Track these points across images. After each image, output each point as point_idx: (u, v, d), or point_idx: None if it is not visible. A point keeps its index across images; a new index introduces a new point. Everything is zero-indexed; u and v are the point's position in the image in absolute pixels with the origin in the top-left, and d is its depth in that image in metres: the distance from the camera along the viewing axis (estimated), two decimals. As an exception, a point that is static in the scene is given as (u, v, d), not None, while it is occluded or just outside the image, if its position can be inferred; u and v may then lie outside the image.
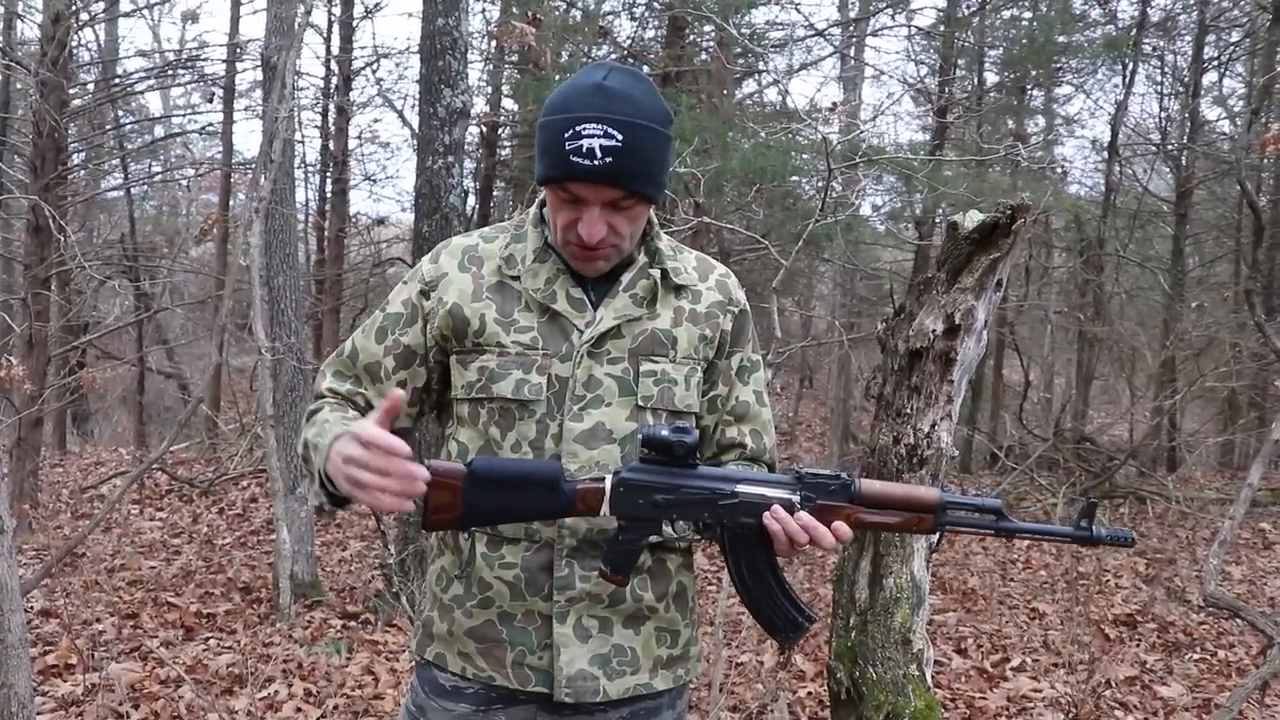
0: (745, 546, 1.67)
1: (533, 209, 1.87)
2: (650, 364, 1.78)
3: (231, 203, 13.78)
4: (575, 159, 1.62)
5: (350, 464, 1.51)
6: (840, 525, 1.61)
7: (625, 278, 1.80)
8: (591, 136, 1.62)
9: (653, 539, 1.70)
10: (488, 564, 1.75)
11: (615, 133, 1.62)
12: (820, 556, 7.04)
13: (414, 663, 1.90)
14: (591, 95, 1.65)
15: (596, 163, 1.62)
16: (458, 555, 1.80)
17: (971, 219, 2.80)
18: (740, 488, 1.61)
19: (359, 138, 14.51)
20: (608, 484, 1.60)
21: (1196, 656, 5.90)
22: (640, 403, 1.77)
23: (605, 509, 1.61)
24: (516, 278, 1.79)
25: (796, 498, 1.60)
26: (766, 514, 1.61)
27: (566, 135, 1.63)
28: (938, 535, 1.72)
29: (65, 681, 4.95)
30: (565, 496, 1.60)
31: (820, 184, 7.96)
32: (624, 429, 1.75)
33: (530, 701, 1.78)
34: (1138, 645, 6.06)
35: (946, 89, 12.88)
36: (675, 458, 1.60)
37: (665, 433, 1.58)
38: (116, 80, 12.03)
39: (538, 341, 1.76)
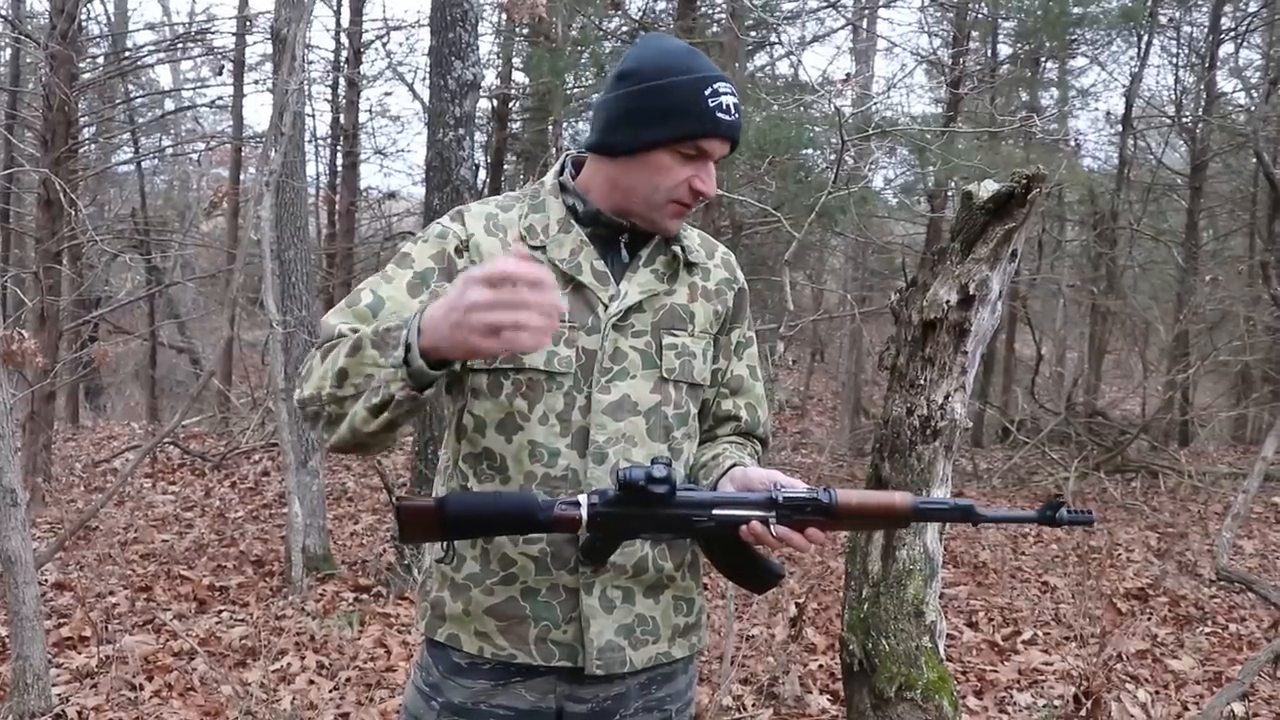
0: (719, 539, 1.69)
1: (549, 179, 1.85)
2: (671, 338, 1.81)
3: (242, 176, 13.76)
4: (720, 115, 1.70)
5: (476, 310, 1.35)
6: (813, 532, 1.61)
7: (644, 252, 1.82)
8: (727, 95, 1.71)
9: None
10: (510, 540, 1.74)
11: (734, 91, 1.74)
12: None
13: (422, 641, 1.88)
14: (703, 59, 1.75)
15: (733, 118, 1.72)
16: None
17: (986, 189, 2.78)
18: (717, 511, 1.61)
19: (369, 111, 14.51)
20: (583, 514, 1.59)
21: (1208, 630, 5.89)
22: (664, 375, 1.79)
23: (582, 531, 1.61)
24: (540, 248, 1.77)
25: (772, 516, 1.60)
26: (743, 527, 1.62)
27: (707, 93, 1.70)
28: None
29: (79, 653, 4.99)
30: (542, 525, 1.60)
31: (833, 156, 7.92)
32: (648, 401, 1.78)
33: (551, 673, 1.78)
34: (1149, 619, 6.05)
35: (960, 61, 12.78)
36: (650, 500, 1.59)
37: (641, 482, 1.56)
38: (126, 54, 12.01)
39: (564, 314, 1.73)
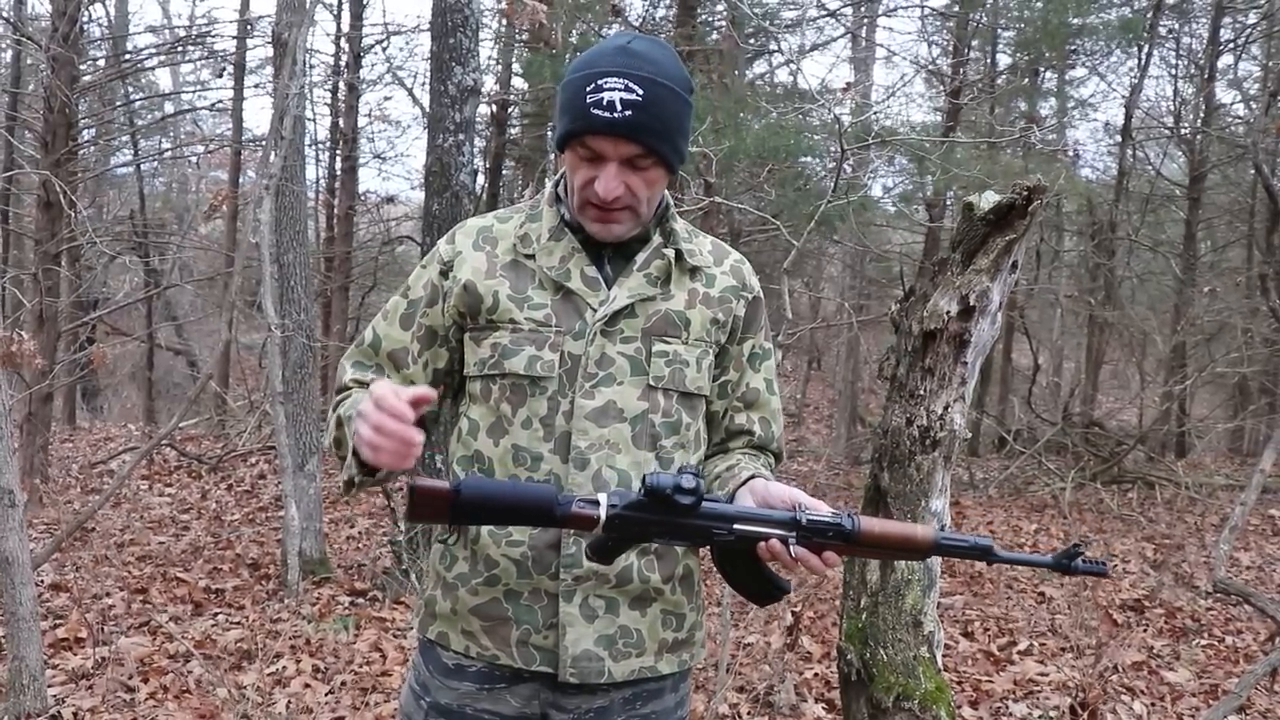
0: (732, 553, 1.66)
1: (548, 188, 1.86)
2: (663, 344, 1.77)
3: (241, 179, 13.77)
4: (596, 111, 1.63)
5: (359, 418, 1.52)
6: (830, 555, 1.59)
7: (640, 257, 1.80)
8: (612, 90, 1.62)
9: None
10: (494, 541, 1.74)
11: (636, 88, 1.63)
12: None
13: (417, 641, 1.89)
14: (615, 55, 1.66)
15: (617, 115, 1.62)
16: (463, 533, 1.79)
17: (987, 200, 2.79)
18: (738, 526, 1.59)
19: (369, 115, 14.48)
20: (602, 513, 1.55)
21: (1204, 642, 5.89)
22: (651, 382, 1.76)
23: (599, 530, 1.58)
24: (531, 255, 1.79)
25: (793, 537, 1.58)
26: (761, 544, 1.59)
27: (588, 89, 1.64)
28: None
29: (75, 655, 4.98)
30: (557, 520, 1.56)
31: (832, 165, 7.93)
32: (635, 408, 1.75)
33: (534, 680, 1.77)
34: (1145, 630, 6.05)
35: (959, 70, 12.81)
36: (674, 512, 1.56)
37: (668, 490, 1.53)
38: (127, 56, 12.01)
39: (551, 319, 1.75)
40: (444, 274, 1.82)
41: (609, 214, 1.72)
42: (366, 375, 1.84)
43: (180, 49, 12.32)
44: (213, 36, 12.76)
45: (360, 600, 6.22)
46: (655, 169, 1.71)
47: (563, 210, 1.81)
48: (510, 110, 13.70)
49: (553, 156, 12.24)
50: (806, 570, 1.60)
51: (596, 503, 1.56)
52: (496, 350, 1.76)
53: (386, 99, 18.10)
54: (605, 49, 1.68)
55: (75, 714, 4.30)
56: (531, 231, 1.81)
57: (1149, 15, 11.70)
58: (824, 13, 12.40)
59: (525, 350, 1.74)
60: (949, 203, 11.97)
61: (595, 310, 1.75)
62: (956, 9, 12.48)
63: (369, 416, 1.49)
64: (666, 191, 1.84)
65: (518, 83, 13.67)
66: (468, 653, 1.78)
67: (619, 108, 1.62)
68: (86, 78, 10.15)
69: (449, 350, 1.84)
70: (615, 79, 1.63)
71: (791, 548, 1.57)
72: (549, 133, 12.92)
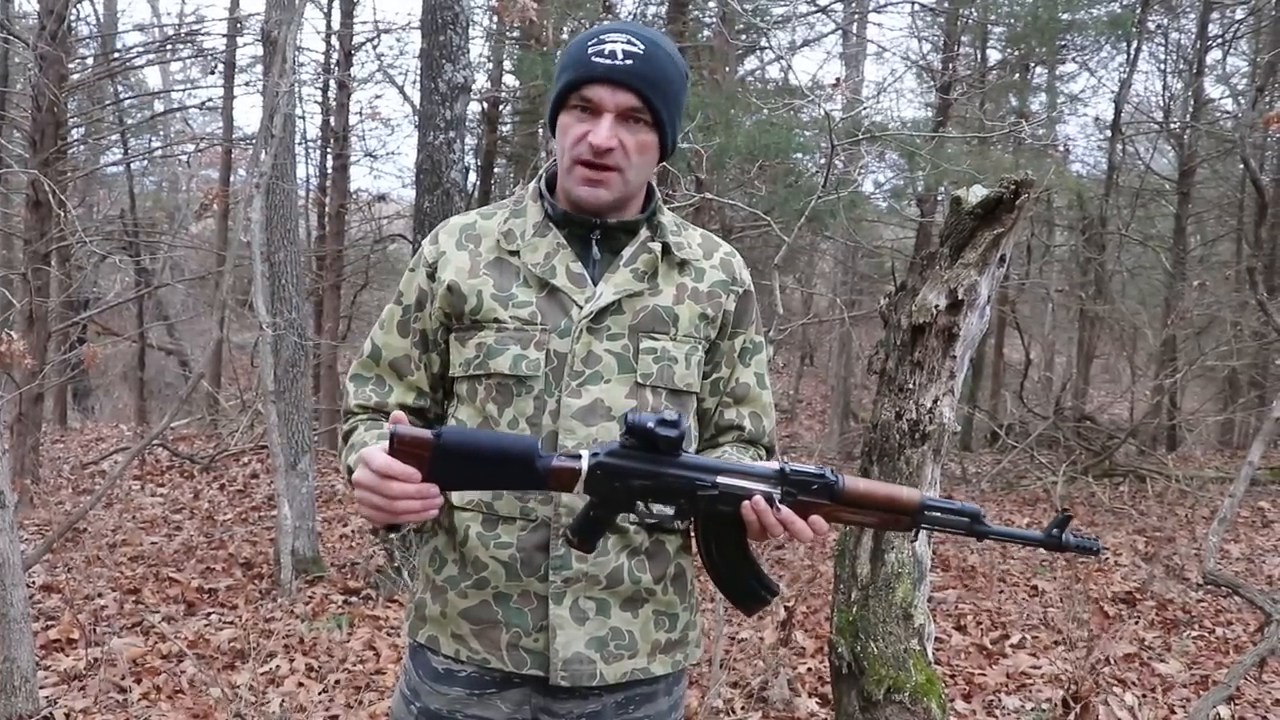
0: (718, 528, 1.64)
1: (532, 184, 1.84)
2: (650, 341, 1.75)
3: (232, 178, 13.74)
4: (596, 59, 1.66)
5: (359, 488, 1.54)
6: (817, 520, 1.58)
7: (626, 252, 1.77)
8: (614, 43, 1.67)
9: (629, 519, 1.67)
10: (482, 544, 1.72)
11: (638, 43, 1.68)
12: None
13: (407, 646, 1.88)
14: (616, 24, 1.77)
15: (618, 63, 1.66)
16: (451, 536, 1.77)
17: (975, 194, 2.80)
18: (721, 479, 1.56)
19: (360, 113, 14.44)
20: (584, 465, 1.53)
21: (1195, 634, 5.92)
22: (640, 380, 1.74)
23: (579, 488, 1.55)
24: (515, 252, 1.77)
25: (777, 492, 1.56)
26: (745, 503, 1.57)
27: (590, 43, 1.68)
28: (914, 531, 1.67)
29: (67, 656, 4.98)
30: (539, 474, 1.54)
31: (823, 161, 7.93)
32: (623, 406, 1.72)
33: (525, 684, 1.75)
34: (1136, 623, 6.07)
35: (950, 66, 12.83)
36: (657, 450, 1.54)
37: (650, 424, 1.51)
38: (116, 54, 11.97)
39: (536, 316, 1.73)
40: (430, 276, 1.81)
41: (598, 171, 1.70)
42: (368, 393, 1.85)
43: (169, 47, 12.28)
44: (202, 34, 12.74)
45: (354, 599, 6.22)
46: (647, 132, 1.71)
47: (547, 206, 1.79)
48: (502, 107, 13.70)
49: (544, 155, 12.24)
50: (792, 535, 1.58)
51: (578, 456, 1.55)
52: (481, 350, 1.73)
53: (377, 97, 18.16)
54: (604, 25, 1.77)
55: (68, 715, 4.30)
56: (515, 227, 1.79)
57: (1138, 11, 11.74)
58: (814, 9, 12.43)
59: (510, 349, 1.72)
60: (940, 198, 12.00)
61: (581, 307, 1.73)
62: (947, 4, 12.49)
63: (366, 484, 1.52)
64: (656, 187, 1.83)
65: (509, 80, 13.66)
66: (458, 656, 1.76)
67: (620, 56, 1.66)
68: (75, 76, 10.13)
69: (439, 354, 1.82)
70: (619, 34, 1.68)
71: (778, 506, 1.56)
72: (541, 130, 12.92)
